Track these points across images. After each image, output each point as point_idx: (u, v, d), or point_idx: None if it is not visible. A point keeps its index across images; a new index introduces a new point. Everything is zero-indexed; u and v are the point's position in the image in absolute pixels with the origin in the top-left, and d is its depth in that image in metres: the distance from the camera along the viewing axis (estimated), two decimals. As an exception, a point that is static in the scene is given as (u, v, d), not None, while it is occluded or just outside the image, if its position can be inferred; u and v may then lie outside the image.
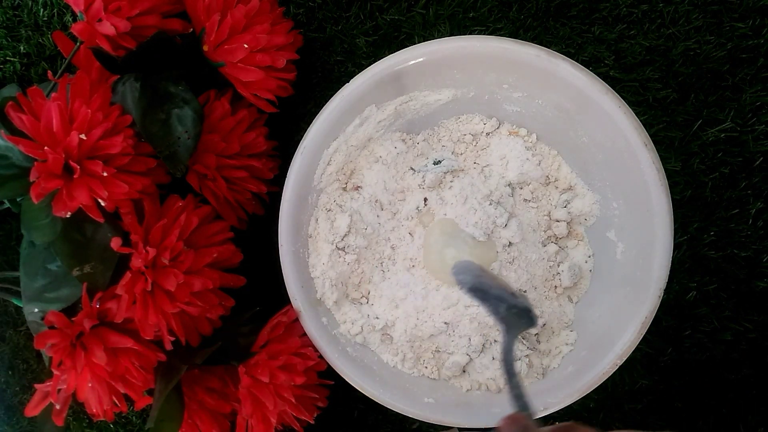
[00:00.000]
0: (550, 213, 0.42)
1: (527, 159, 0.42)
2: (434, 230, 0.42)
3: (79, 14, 0.37)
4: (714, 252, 0.44)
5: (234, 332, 0.40)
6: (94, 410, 0.36)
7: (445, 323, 0.41)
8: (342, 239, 0.41)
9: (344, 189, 0.43)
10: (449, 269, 0.40)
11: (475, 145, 0.43)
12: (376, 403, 0.39)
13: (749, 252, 0.44)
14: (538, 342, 0.42)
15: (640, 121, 0.37)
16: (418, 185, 0.42)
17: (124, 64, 0.37)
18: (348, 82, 0.39)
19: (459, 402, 0.41)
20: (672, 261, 0.37)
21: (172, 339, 0.36)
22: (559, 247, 0.42)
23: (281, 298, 0.40)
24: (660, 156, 0.37)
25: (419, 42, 0.39)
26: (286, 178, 0.40)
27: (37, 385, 0.37)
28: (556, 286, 0.42)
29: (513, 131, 0.43)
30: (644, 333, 0.37)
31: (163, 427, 0.37)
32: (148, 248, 0.34)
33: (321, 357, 0.40)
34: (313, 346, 0.40)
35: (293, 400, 0.37)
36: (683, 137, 0.44)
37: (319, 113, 0.39)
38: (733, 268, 0.44)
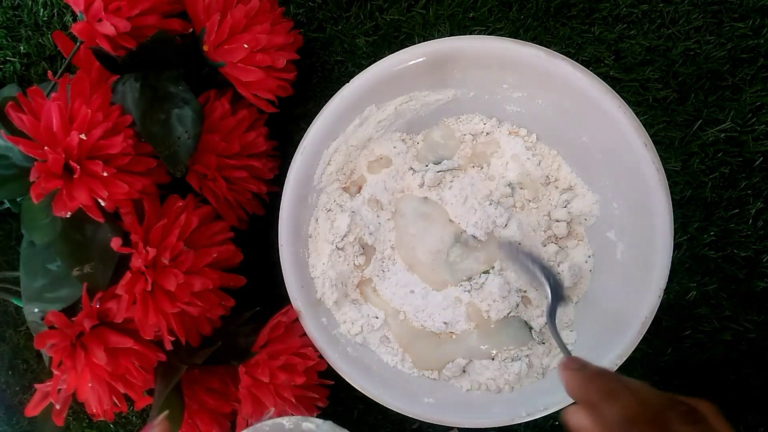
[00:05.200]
0: (550, 213, 0.42)
1: (527, 159, 0.42)
2: (403, 213, 0.41)
3: (79, 14, 0.37)
4: (714, 252, 0.44)
5: (234, 332, 0.40)
6: (94, 410, 0.36)
7: (445, 323, 0.41)
8: (342, 239, 0.41)
9: (344, 189, 0.43)
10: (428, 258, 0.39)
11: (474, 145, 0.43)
12: (376, 403, 0.39)
13: (749, 252, 0.44)
14: (538, 342, 0.42)
15: (640, 121, 0.37)
16: (418, 185, 0.42)
17: (124, 64, 0.37)
18: (348, 82, 0.39)
19: (459, 402, 0.41)
20: (672, 261, 0.37)
21: (172, 339, 0.36)
22: (559, 247, 0.42)
23: (281, 298, 0.40)
24: (660, 156, 0.37)
25: (419, 42, 0.39)
26: (286, 178, 0.40)
27: (37, 385, 0.37)
28: (556, 286, 0.42)
29: (513, 131, 0.43)
30: (644, 333, 0.37)
31: (164, 427, 0.37)
32: (148, 248, 0.34)
33: (321, 357, 0.40)
34: (313, 346, 0.40)
35: (293, 400, 0.37)
36: (683, 137, 0.44)
37: (319, 113, 0.39)
38: (733, 268, 0.44)
